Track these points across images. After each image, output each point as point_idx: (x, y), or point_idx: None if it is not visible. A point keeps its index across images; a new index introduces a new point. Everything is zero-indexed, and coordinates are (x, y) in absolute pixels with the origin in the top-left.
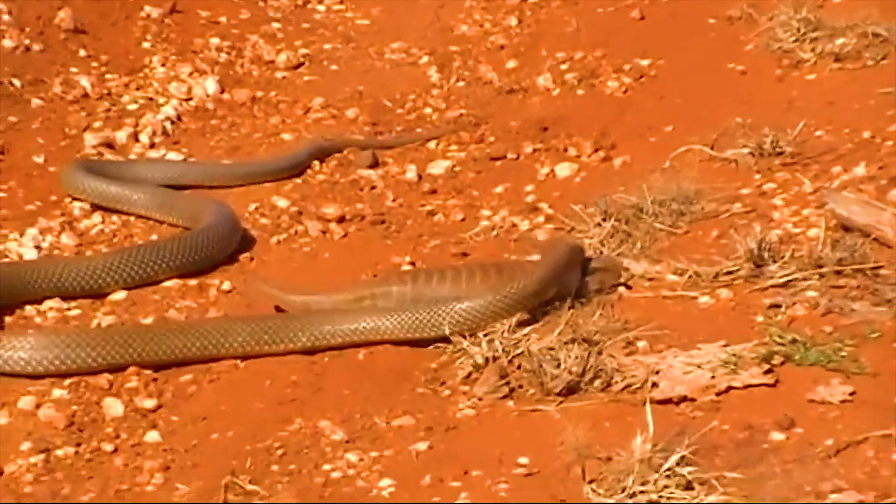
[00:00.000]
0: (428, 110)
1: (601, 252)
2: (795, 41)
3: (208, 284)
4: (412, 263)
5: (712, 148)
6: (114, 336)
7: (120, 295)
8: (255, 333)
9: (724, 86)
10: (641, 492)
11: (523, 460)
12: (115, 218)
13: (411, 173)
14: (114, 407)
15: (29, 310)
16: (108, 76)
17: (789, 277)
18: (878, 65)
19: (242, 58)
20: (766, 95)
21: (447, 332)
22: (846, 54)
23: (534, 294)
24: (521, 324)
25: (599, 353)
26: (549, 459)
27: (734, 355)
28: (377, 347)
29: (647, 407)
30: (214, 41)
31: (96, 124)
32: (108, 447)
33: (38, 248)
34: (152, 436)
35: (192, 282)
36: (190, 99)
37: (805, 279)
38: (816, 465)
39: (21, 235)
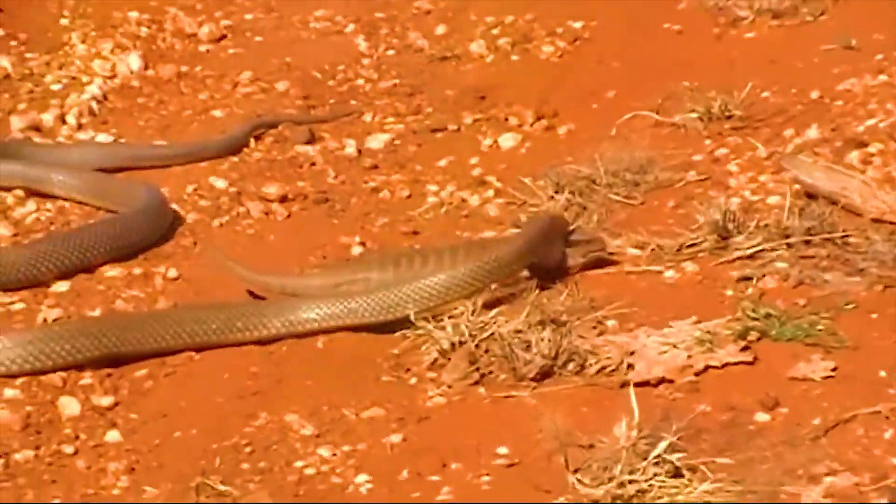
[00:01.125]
0: (360, 81)
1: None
2: None
3: (154, 273)
4: (362, 244)
5: (658, 113)
6: (83, 330)
7: (63, 286)
8: (230, 321)
9: (662, 47)
10: (630, 481)
11: (502, 450)
12: (49, 205)
13: (350, 148)
14: (70, 406)
15: None
16: (28, 55)
17: (757, 248)
18: (817, 21)
19: (164, 31)
20: (705, 56)
21: (432, 304)
22: (784, 10)
23: (509, 264)
24: (486, 306)
25: (569, 333)
26: (528, 448)
27: (708, 332)
28: (336, 334)
29: (631, 391)
30: (133, 14)
31: (21, 106)
32: (69, 449)
33: None
34: (113, 435)
35: (137, 270)
36: (114, 76)
37: (773, 250)
38: (806, 446)
39: None
